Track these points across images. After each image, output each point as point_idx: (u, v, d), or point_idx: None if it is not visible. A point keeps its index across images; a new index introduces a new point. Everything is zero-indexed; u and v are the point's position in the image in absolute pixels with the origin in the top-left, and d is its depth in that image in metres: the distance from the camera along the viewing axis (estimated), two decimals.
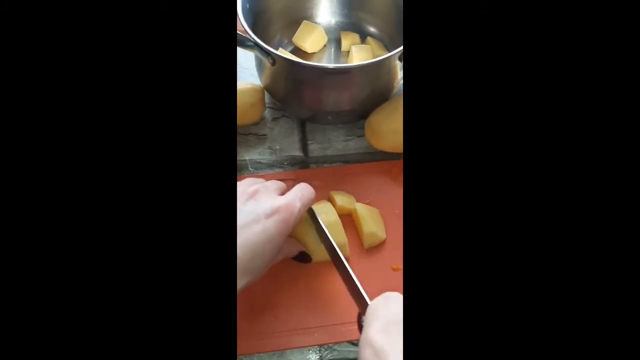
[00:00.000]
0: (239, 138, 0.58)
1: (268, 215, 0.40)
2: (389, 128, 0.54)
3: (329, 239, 0.45)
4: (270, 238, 0.39)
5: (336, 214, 0.49)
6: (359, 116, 0.57)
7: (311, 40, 0.63)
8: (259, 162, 0.57)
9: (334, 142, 0.59)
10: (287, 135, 0.59)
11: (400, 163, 0.55)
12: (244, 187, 0.42)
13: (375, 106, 0.55)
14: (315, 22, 0.66)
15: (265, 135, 0.59)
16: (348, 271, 0.42)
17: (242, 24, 0.52)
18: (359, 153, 0.58)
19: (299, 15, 0.66)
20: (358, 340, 0.43)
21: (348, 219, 0.51)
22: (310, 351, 0.44)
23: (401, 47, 0.50)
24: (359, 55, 0.61)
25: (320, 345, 0.44)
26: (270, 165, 0.57)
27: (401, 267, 0.48)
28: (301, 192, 0.43)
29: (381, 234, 0.50)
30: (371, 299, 0.38)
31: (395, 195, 0.53)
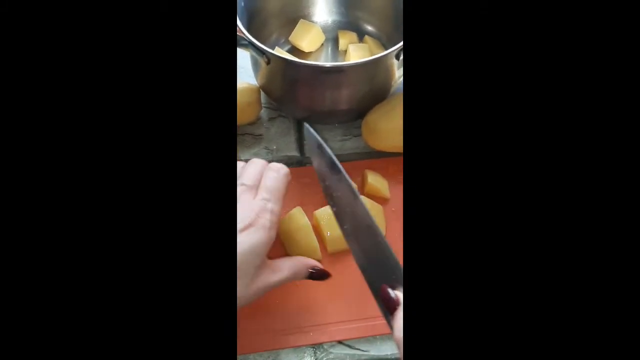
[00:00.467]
0: None
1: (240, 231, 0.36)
2: (386, 127, 0.53)
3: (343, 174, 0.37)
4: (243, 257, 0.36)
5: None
6: (355, 115, 0.57)
7: (308, 39, 0.63)
8: None
9: (331, 142, 0.58)
10: (284, 135, 0.59)
11: (397, 161, 0.55)
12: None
13: (372, 105, 0.55)
14: (312, 21, 0.66)
15: (261, 135, 0.59)
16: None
17: (237, 23, 0.51)
18: (356, 153, 0.57)
19: (295, 14, 0.65)
20: (352, 339, 0.43)
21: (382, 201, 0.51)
22: (306, 353, 0.43)
23: (397, 45, 0.50)
24: (357, 54, 0.60)
25: (315, 346, 0.44)
26: None
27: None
28: (268, 192, 0.39)
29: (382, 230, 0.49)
30: None
31: (392, 193, 0.53)
